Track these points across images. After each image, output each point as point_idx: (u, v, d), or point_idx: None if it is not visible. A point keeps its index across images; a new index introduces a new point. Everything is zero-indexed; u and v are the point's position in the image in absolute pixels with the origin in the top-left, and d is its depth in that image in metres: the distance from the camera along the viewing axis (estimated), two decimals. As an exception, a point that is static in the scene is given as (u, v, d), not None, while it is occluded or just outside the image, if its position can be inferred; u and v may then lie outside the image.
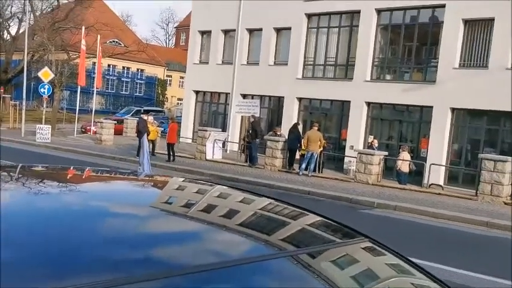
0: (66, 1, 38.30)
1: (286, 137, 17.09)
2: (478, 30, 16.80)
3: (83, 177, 2.01)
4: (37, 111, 32.24)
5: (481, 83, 15.99)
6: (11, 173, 1.84)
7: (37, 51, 34.55)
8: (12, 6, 39.70)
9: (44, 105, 24.38)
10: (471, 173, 16.11)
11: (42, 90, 22.82)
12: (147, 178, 2.44)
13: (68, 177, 1.94)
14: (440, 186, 15.60)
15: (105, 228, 1.26)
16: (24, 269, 0.96)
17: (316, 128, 16.29)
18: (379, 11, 18.93)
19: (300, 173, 15.66)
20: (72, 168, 2.08)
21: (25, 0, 33.20)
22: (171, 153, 17.48)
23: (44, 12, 37.91)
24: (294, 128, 17.07)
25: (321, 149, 16.24)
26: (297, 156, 16.82)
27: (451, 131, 17.20)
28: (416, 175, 15.96)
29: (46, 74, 22.99)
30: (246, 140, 18.09)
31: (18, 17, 39.57)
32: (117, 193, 1.74)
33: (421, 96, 17.40)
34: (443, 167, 16.90)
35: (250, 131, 17.45)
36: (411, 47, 18.70)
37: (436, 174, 16.07)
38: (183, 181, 2.20)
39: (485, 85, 15.85)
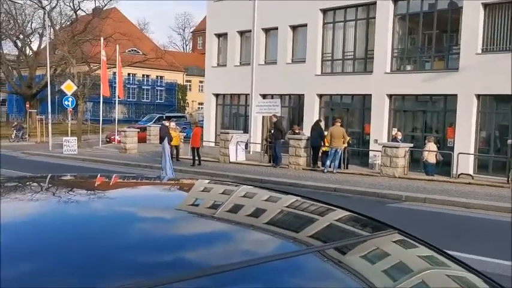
0: (84, 13, 39.11)
1: (309, 134, 17.01)
2: (499, 13, 16.38)
3: (110, 183, 2.05)
4: (63, 124, 33.01)
5: (506, 67, 15.57)
6: (41, 183, 1.88)
7: (59, 65, 35.40)
8: (32, 22, 40.83)
9: (69, 118, 24.90)
10: (501, 160, 15.71)
11: (66, 103, 23.32)
12: (173, 182, 2.46)
13: (96, 185, 1.97)
14: (470, 175, 15.26)
15: (136, 232, 1.27)
16: (60, 274, 0.98)
17: (339, 124, 16.14)
18: (395, 1, 18.65)
19: (325, 170, 15.55)
20: (99, 175, 2.12)
21: (44, 15, 34.01)
22: (197, 158, 17.61)
23: (63, 26, 38.80)
24: (316, 125, 16.97)
25: (346, 145, 16.10)
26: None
27: (478, 118, 16.81)
28: (444, 165, 15.64)
29: (69, 87, 23.48)
30: (269, 140, 18.08)
31: (38, 33, 40.70)
32: (146, 197, 1.76)
33: (444, 85, 17.06)
34: (472, 156, 16.53)
35: (273, 131, 17.42)
36: (431, 35, 18.35)
37: (465, 163, 15.73)
38: (208, 183, 2.21)
39: (510, 69, 15.44)
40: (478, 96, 16.69)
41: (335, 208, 1.65)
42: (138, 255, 1.10)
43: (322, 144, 16.34)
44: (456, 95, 16.91)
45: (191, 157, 17.79)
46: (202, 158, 17.88)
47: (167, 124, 17.59)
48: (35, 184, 1.89)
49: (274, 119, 17.41)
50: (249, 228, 1.43)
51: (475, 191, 12.13)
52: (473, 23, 16.50)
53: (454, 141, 16.97)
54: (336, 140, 15.52)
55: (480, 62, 16.33)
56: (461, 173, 14.98)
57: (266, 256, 1.15)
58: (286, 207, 1.73)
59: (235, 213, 1.60)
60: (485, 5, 16.44)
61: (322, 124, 17.45)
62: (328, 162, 15.66)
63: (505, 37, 16.21)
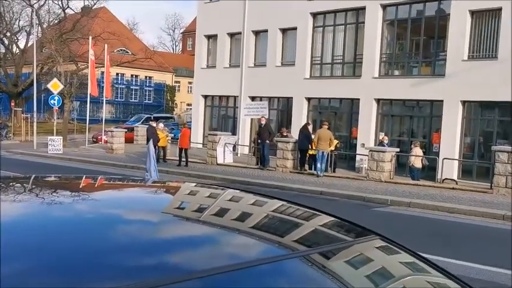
0: (73, 12, 38.74)
1: (297, 137, 17.04)
2: (486, 21, 16.62)
3: (96, 185, 2.03)
4: (48, 123, 32.62)
5: (491, 74, 15.81)
6: (24, 184, 1.86)
7: (46, 63, 34.95)
8: (19, 20, 40.29)
9: (55, 117, 24.61)
10: (485, 166, 15.92)
11: (52, 101, 23.06)
12: (160, 184, 2.45)
13: (80, 186, 1.96)
14: (454, 180, 15.43)
15: (121, 235, 1.27)
16: (42, 277, 0.97)
17: (327, 127, 16.20)
18: (384, 7, 18.83)
19: (319, 173, 15.41)
20: (84, 177, 2.10)
21: (32, 13, 33.61)
22: (184, 159, 17.53)
23: (51, 24, 38.35)
24: (304, 128, 17.00)
25: (332, 148, 16.15)
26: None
27: (463, 124, 17.03)
28: (430, 170, 15.80)
29: (55, 86, 23.22)
30: (257, 142, 18.08)
31: (26, 30, 40.14)
32: (132, 200, 1.75)
33: (431, 91, 17.25)
34: (457, 161, 16.73)
35: (261, 133, 17.41)
36: (418, 41, 18.56)
37: (450, 168, 15.90)
38: (194, 186, 2.21)
39: (496, 76, 15.67)
40: (464, 102, 16.91)
41: (319, 213, 1.67)
42: (124, 258, 1.10)
43: (310, 147, 16.38)
44: (442, 101, 17.11)
45: (178, 158, 17.71)
46: (189, 159, 17.82)
47: (154, 125, 17.51)
48: (18, 185, 1.87)
49: (264, 122, 17.46)
50: (234, 232, 1.43)
51: (459, 196, 12.28)
52: (460, 29, 16.73)
53: (439, 146, 17.16)
54: (322, 143, 15.55)
55: (466, 68, 16.55)
56: (446, 178, 15.14)
57: (251, 260, 1.16)
58: (272, 211, 1.74)
59: (221, 217, 1.60)
60: (472, 12, 16.67)
61: (310, 127, 17.51)
62: (318, 165, 15.58)
63: (491, 44, 16.45)
